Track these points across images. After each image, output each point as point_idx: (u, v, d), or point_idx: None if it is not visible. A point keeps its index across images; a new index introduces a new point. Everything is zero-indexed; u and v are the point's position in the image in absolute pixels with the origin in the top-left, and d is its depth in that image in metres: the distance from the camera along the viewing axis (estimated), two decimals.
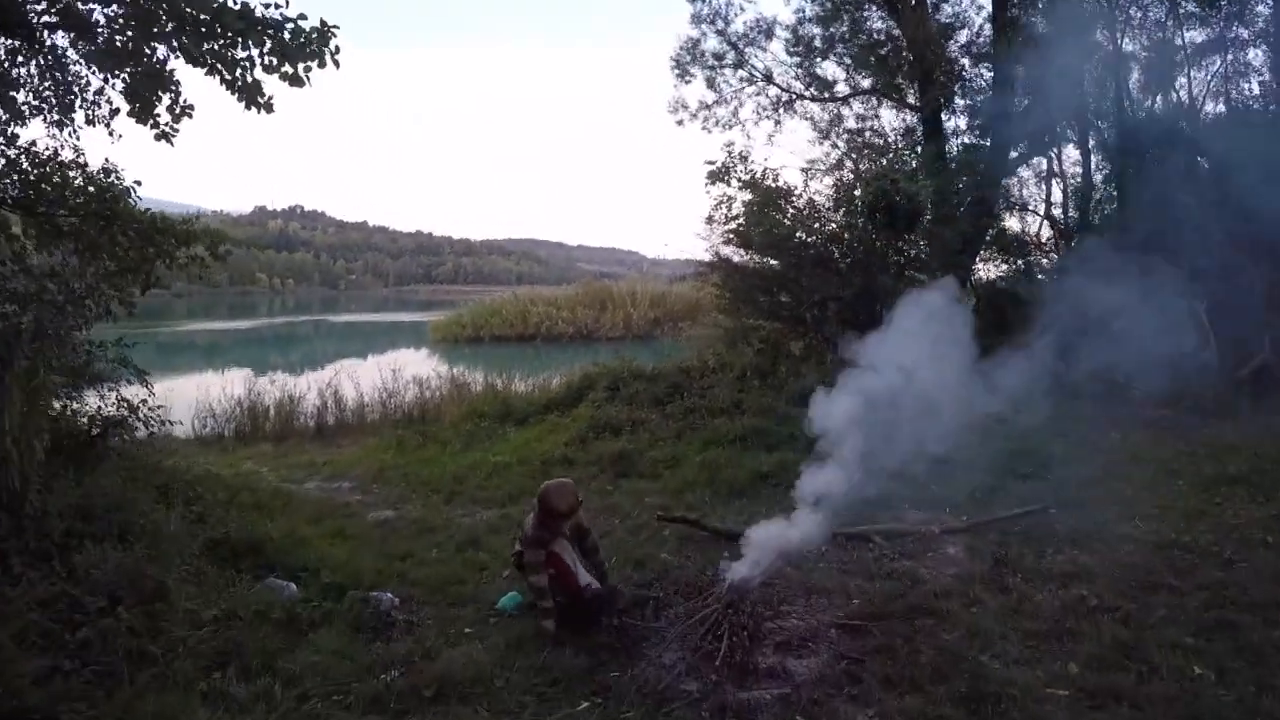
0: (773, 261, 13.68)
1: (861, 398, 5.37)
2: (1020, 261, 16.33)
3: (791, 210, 13.35)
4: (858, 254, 12.97)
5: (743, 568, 5.04)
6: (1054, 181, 17.28)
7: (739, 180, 13.40)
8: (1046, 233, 17.29)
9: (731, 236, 13.73)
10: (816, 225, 13.35)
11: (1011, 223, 17.23)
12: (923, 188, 12.53)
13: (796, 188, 13.70)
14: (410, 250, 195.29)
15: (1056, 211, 17.22)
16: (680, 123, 18.52)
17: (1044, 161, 17.31)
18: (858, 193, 12.99)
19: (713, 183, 13.49)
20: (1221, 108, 15.63)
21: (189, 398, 13.37)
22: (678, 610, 5.05)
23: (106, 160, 7.17)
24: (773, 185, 13.37)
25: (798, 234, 13.21)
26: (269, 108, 5.92)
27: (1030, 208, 17.51)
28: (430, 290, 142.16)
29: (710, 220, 13.84)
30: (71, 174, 7.07)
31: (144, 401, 7.04)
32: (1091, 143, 16.38)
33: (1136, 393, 10.50)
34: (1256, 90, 15.32)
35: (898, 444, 5.36)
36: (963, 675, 4.13)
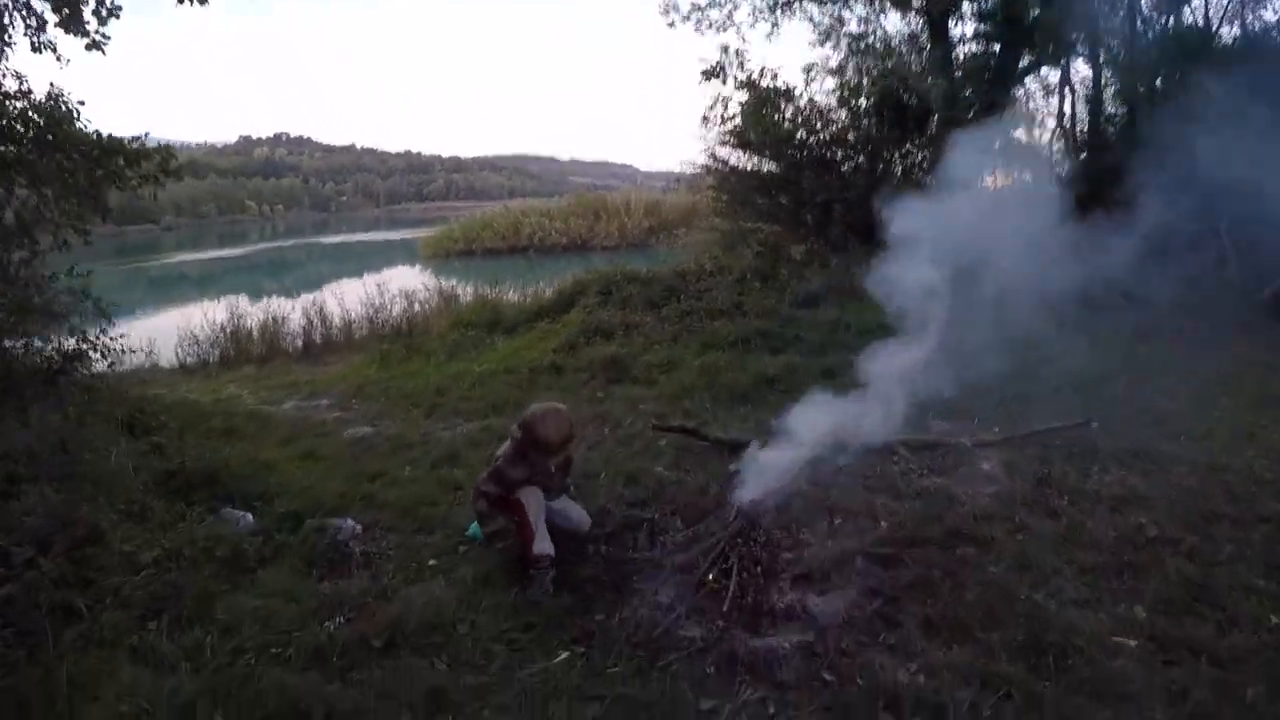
0: (771, 164, 13.19)
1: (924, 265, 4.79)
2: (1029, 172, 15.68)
3: (791, 110, 12.76)
4: (863, 154, 12.37)
5: (767, 471, 4.46)
6: (1065, 92, 16.75)
7: (735, 80, 12.82)
8: (1057, 145, 16.86)
9: (728, 137, 13.29)
10: (818, 126, 12.85)
11: (1020, 135, 16.58)
12: (934, 86, 11.90)
13: (796, 88, 13.03)
14: (400, 170, 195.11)
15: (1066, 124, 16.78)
16: (672, 25, 17.03)
17: (1054, 74, 16.73)
18: (864, 91, 12.33)
19: (707, 80, 13.04)
20: (1237, 31, 15.26)
21: (175, 327, 13.24)
22: (676, 537, 4.48)
23: (52, 85, 6.68)
24: (771, 85, 12.75)
25: (798, 134, 12.64)
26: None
27: (1038, 120, 17.14)
28: (422, 208, 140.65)
29: (706, 120, 13.43)
30: (17, 104, 6.48)
31: (103, 331, 6.49)
32: (1102, 57, 15.83)
33: (1159, 304, 9.97)
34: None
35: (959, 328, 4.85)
36: (1018, 619, 3.50)
